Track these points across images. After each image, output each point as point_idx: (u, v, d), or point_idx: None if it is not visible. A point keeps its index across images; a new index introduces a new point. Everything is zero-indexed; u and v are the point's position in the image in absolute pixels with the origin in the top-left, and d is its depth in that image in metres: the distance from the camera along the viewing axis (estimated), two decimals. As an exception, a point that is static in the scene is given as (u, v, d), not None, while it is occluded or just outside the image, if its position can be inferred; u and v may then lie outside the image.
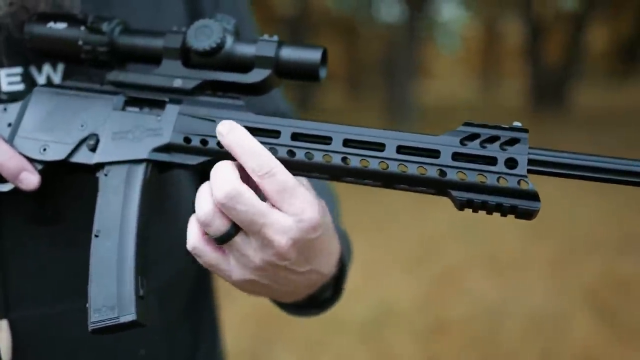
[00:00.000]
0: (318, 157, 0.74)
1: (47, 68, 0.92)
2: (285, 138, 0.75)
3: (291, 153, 0.74)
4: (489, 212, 0.71)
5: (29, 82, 0.90)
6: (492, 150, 0.70)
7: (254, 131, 0.76)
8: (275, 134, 0.76)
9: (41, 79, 0.91)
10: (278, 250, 0.72)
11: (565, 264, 5.14)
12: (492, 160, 0.70)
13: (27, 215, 0.90)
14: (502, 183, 0.69)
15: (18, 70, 0.90)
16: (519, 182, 0.69)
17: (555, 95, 17.45)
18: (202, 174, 0.81)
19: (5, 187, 0.83)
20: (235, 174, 0.72)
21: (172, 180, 1.00)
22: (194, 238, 0.75)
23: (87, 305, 0.76)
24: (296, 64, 0.79)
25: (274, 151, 0.74)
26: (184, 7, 1.04)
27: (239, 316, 4.15)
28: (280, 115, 0.78)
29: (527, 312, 4.24)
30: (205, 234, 0.75)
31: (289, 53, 0.80)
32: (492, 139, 0.71)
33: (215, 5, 1.09)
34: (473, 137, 0.71)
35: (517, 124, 0.72)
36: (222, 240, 0.73)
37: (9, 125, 0.84)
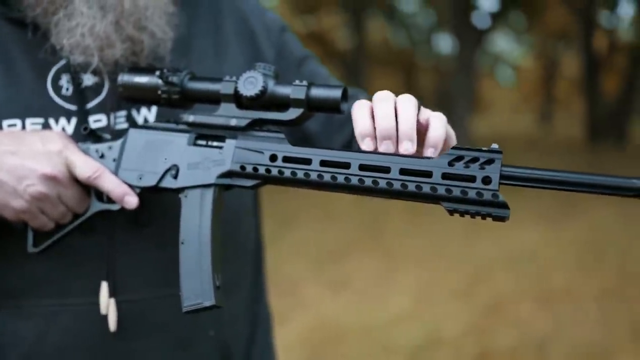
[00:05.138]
0: (340, 179, 0.92)
1: (144, 111, 1.16)
2: (315, 165, 0.93)
3: (320, 176, 0.93)
4: (473, 217, 0.86)
5: (131, 122, 1.14)
6: (473, 169, 0.85)
7: (291, 160, 0.95)
8: (308, 161, 0.94)
9: (140, 119, 1.15)
10: None
11: (616, 298, 5.12)
12: (472, 178, 0.85)
13: (131, 220, 1.14)
14: (480, 196, 0.84)
15: (123, 113, 1.15)
16: (493, 195, 0.84)
17: (613, 128, 17.08)
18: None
19: (115, 207, 1.10)
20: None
21: (234, 196, 1.19)
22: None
23: (180, 294, 1.00)
24: (323, 102, 0.99)
25: (307, 175, 0.93)
26: (244, 58, 1.28)
27: (292, 340, 4.25)
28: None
29: (574, 345, 4.25)
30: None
31: (316, 93, 0.99)
32: (474, 160, 0.86)
33: (279, 58, 1.31)
34: (459, 158, 0.87)
35: (494, 146, 0.86)
36: None
37: (114, 160, 1.09)
